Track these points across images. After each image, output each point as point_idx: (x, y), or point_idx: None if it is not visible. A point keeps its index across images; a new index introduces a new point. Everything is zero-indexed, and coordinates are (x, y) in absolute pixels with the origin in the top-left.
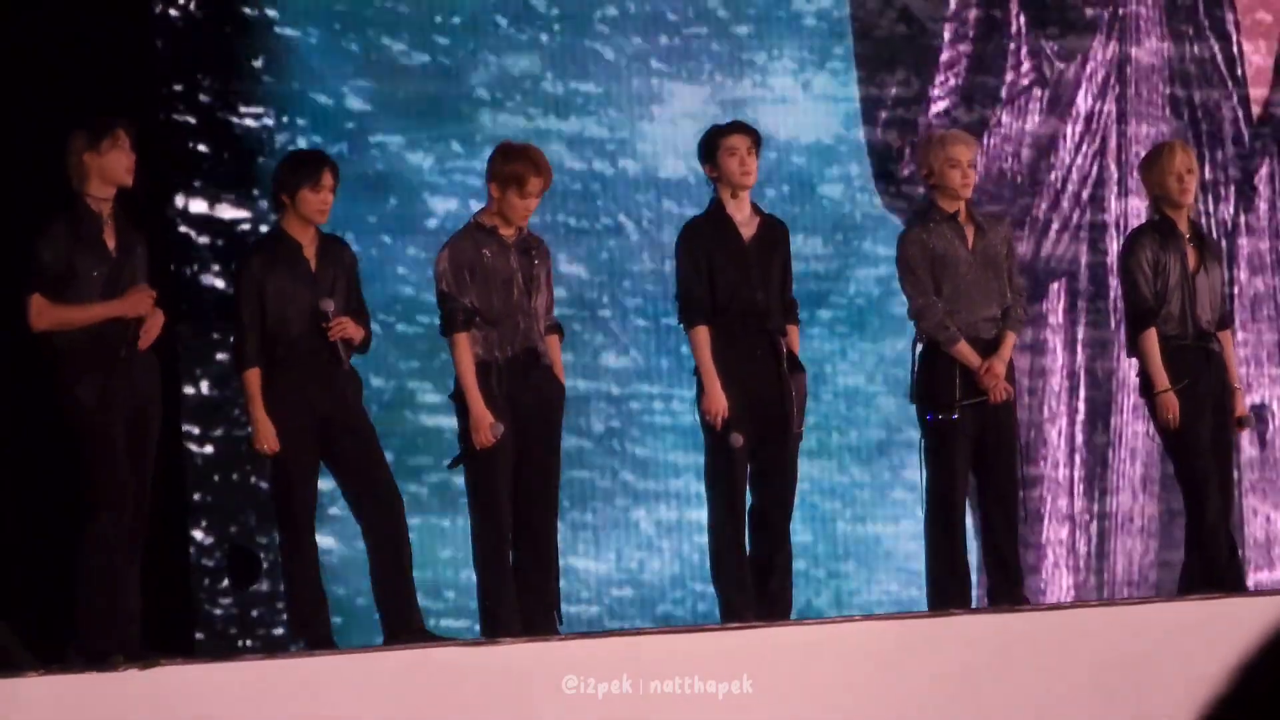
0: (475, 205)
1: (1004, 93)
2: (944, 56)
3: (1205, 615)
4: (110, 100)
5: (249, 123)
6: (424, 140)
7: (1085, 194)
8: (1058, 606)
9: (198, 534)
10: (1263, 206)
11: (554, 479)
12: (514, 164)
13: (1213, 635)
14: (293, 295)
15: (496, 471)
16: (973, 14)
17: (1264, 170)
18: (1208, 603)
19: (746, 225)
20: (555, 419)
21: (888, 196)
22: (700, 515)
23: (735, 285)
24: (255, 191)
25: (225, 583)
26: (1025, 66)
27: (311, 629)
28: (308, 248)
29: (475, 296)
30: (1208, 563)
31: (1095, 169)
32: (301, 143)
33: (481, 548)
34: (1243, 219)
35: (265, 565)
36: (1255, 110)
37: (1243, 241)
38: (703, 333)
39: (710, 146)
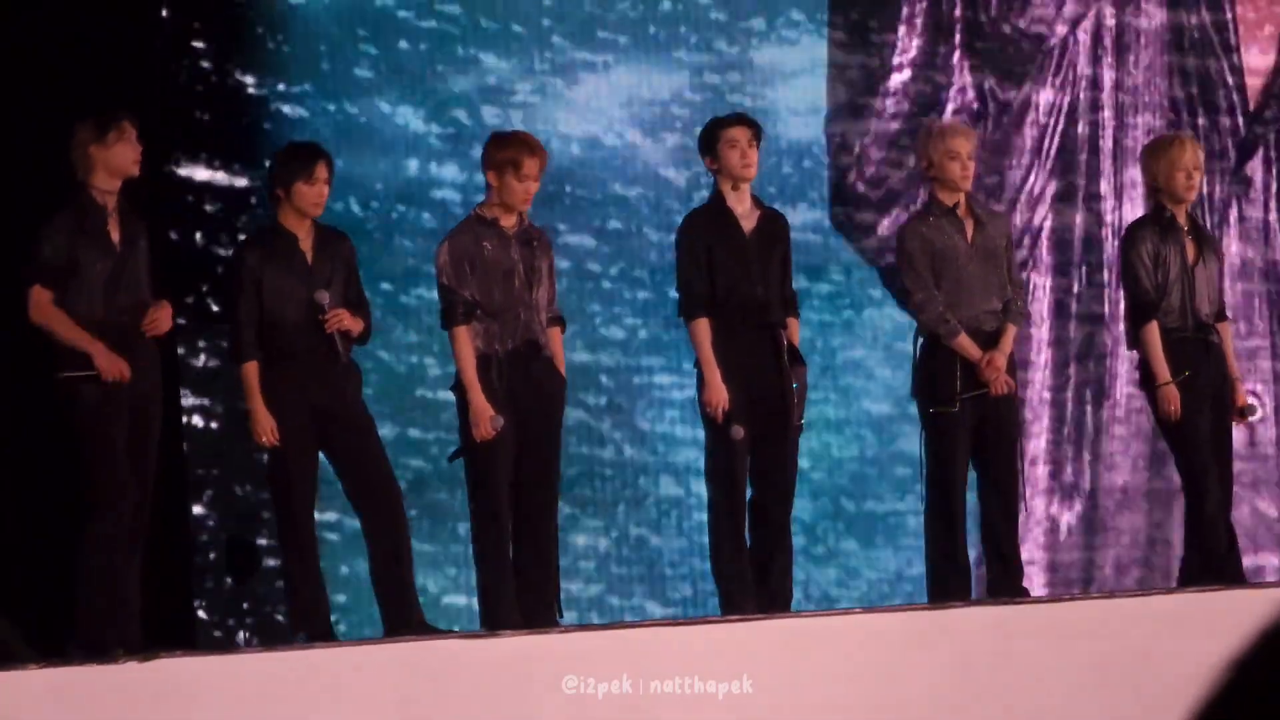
0: (480, 175)
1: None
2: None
3: (1204, 607)
4: (114, 67)
5: (252, 90)
6: (428, 107)
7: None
8: (1057, 599)
9: (198, 509)
10: (1257, 183)
11: (554, 472)
12: (507, 149)
13: (1211, 627)
14: (289, 289)
15: (497, 465)
16: None
17: (1258, 156)
18: (1206, 594)
19: (747, 218)
20: (556, 412)
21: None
22: (703, 489)
23: (736, 278)
24: (258, 159)
25: (224, 558)
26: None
27: (312, 622)
28: (304, 240)
29: (476, 289)
30: (1206, 555)
31: (1085, 139)
32: (303, 109)
33: (481, 541)
34: (1235, 201)
35: (264, 543)
36: (1253, 93)
37: (1233, 211)
38: (703, 325)
39: (711, 138)
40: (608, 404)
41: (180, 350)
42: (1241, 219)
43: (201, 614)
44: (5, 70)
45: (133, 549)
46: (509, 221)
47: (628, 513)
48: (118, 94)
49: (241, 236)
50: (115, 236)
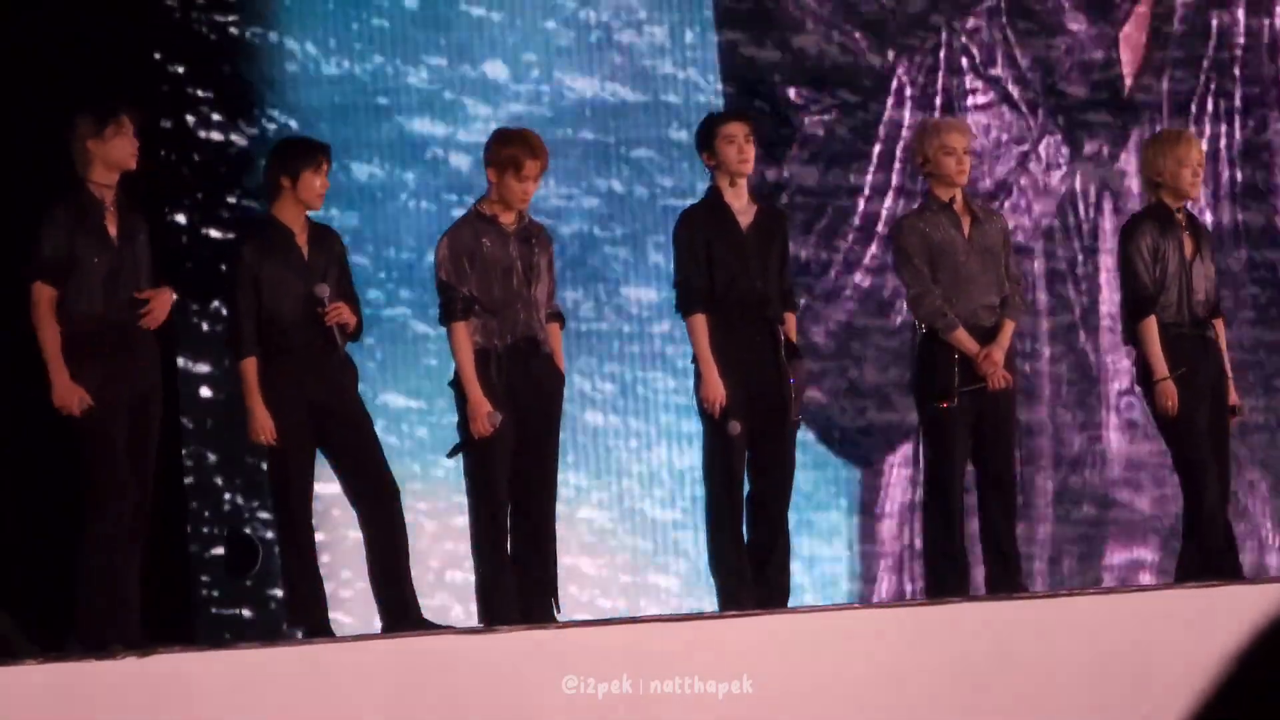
0: (480, 144)
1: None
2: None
3: (1202, 603)
4: (116, 20)
5: (257, 46)
6: (432, 66)
7: None
8: (1056, 594)
9: (199, 480)
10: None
11: (553, 467)
12: (509, 148)
13: (1210, 623)
14: (287, 283)
15: (495, 460)
16: None
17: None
18: (1205, 590)
19: (744, 213)
20: (555, 408)
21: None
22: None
23: (733, 273)
24: (264, 115)
25: (226, 550)
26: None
27: (310, 618)
28: (299, 235)
29: (474, 285)
30: (1205, 551)
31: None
32: (302, 67)
33: (479, 537)
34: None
35: (267, 516)
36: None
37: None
38: (701, 321)
39: (708, 135)
40: (613, 372)
41: (192, 312)
42: (1116, 210)
43: (203, 591)
44: (4, 67)
45: (133, 548)
46: (508, 218)
47: (630, 486)
48: (116, 82)
49: (239, 202)
50: (113, 231)
